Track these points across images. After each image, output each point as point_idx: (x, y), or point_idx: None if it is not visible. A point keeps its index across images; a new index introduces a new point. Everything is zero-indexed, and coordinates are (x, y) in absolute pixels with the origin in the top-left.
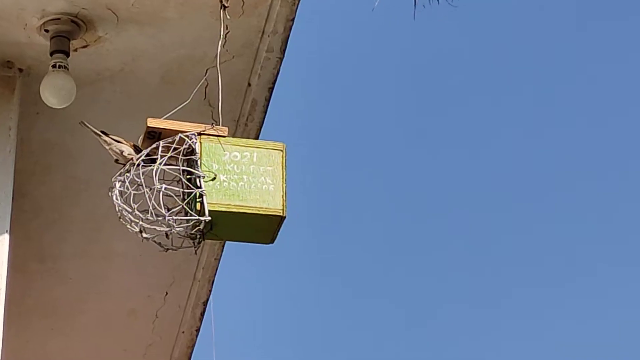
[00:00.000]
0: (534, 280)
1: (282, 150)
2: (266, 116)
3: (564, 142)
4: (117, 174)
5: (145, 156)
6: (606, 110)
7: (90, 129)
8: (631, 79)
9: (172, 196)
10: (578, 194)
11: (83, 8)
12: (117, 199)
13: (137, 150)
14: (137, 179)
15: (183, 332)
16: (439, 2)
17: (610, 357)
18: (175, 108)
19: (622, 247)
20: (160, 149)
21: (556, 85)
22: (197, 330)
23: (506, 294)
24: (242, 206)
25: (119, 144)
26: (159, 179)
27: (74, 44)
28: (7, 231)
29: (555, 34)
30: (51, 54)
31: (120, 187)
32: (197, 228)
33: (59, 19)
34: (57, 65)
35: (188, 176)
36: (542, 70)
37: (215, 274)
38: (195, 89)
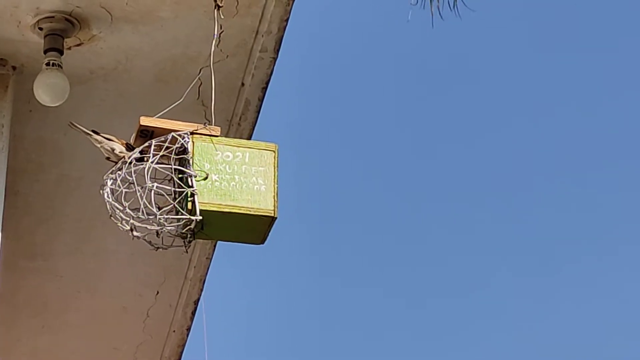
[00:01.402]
0: (524, 270)
1: (274, 151)
2: (259, 116)
3: (559, 136)
4: (109, 171)
5: (138, 154)
6: (596, 104)
7: (80, 129)
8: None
9: (163, 195)
10: (566, 186)
11: (77, 6)
12: (108, 196)
13: (130, 148)
14: (128, 177)
15: (174, 331)
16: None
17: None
18: (169, 107)
19: (608, 239)
20: (152, 147)
21: (551, 83)
22: (188, 330)
23: (502, 285)
24: (233, 206)
25: (110, 142)
26: (150, 178)
27: (68, 42)
28: None
29: (552, 36)
30: (45, 52)
31: (111, 184)
32: (188, 227)
33: (53, 17)
34: (51, 64)
35: (180, 175)
36: (540, 70)
37: (206, 273)
38: (189, 88)
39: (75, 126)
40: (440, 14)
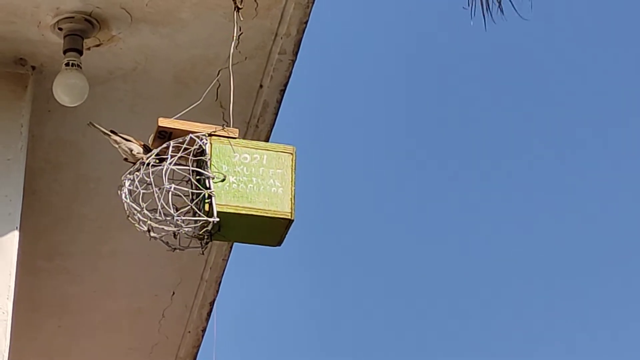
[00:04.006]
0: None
1: (292, 154)
2: (277, 118)
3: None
4: (127, 172)
5: (155, 156)
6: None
7: (99, 128)
8: None
9: (181, 196)
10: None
11: (97, 7)
12: (126, 197)
13: (147, 149)
14: (146, 178)
15: (189, 331)
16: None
17: None
18: (187, 108)
19: None
20: (170, 148)
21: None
22: (203, 330)
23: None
24: (250, 208)
25: (129, 142)
26: (168, 179)
27: (87, 42)
28: (17, 228)
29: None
30: (64, 52)
31: (129, 185)
32: (205, 229)
33: (72, 17)
34: (70, 64)
35: (197, 177)
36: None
37: (222, 275)
38: (207, 90)
39: (94, 126)
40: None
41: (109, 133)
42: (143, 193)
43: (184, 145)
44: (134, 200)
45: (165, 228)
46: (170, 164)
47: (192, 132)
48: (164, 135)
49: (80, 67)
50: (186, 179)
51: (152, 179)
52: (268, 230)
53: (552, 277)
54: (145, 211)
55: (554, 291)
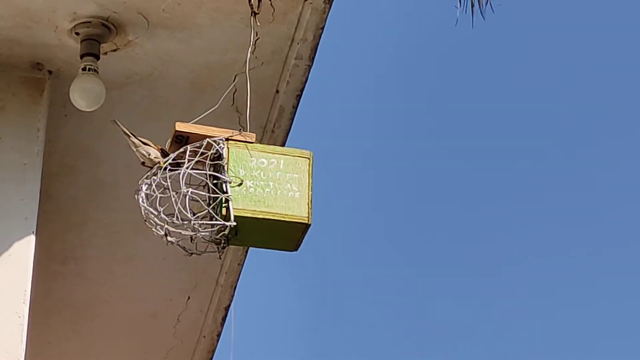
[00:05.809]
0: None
1: (308, 158)
2: (293, 124)
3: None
4: (144, 176)
5: (173, 160)
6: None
7: (121, 128)
8: None
9: (198, 200)
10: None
11: (114, 12)
12: (143, 201)
13: (164, 154)
14: (163, 183)
15: (204, 336)
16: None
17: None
18: (204, 113)
19: None
20: (187, 153)
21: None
22: (218, 335)
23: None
24: (267, 212)
25: (147, 146)
26: (185, 183)
27: (104, 47)
28: (33, 232)
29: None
30: (81, 57)
31: (146, 190)
32: (222, 233)
33: (89, 22)
34: (87, 68)
35: (214, 181)
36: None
37: (238, 280)
38: (224, 95)
39: (117, 124)
40: (482, 14)
41: (130, 134)
42: (160, 197)
43: (201, 150)
44: (151, 205)
45: (182, 232)
46: (187, 168)
47: (209, 137)
48: (181, 139)
49: (97, 72)
50: (203, 183)
51: (169, 184)
52: (285, 235)
53: None
54: (163, 215)
55: None
